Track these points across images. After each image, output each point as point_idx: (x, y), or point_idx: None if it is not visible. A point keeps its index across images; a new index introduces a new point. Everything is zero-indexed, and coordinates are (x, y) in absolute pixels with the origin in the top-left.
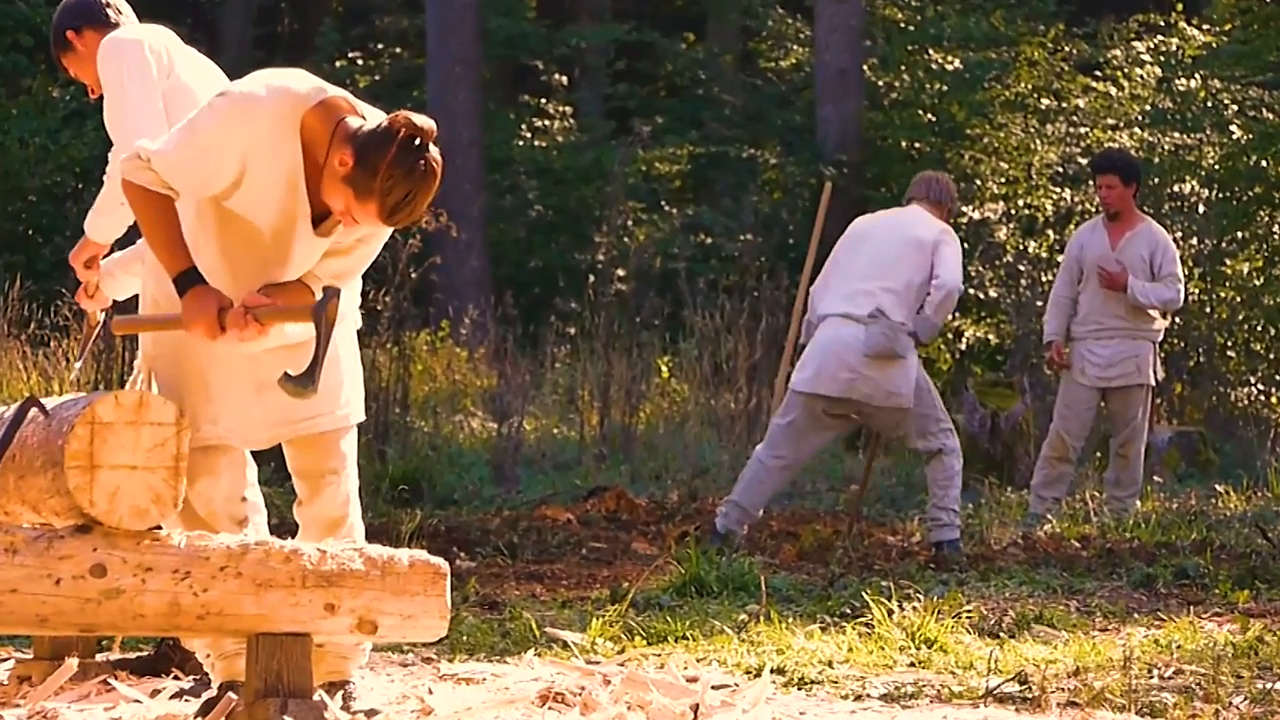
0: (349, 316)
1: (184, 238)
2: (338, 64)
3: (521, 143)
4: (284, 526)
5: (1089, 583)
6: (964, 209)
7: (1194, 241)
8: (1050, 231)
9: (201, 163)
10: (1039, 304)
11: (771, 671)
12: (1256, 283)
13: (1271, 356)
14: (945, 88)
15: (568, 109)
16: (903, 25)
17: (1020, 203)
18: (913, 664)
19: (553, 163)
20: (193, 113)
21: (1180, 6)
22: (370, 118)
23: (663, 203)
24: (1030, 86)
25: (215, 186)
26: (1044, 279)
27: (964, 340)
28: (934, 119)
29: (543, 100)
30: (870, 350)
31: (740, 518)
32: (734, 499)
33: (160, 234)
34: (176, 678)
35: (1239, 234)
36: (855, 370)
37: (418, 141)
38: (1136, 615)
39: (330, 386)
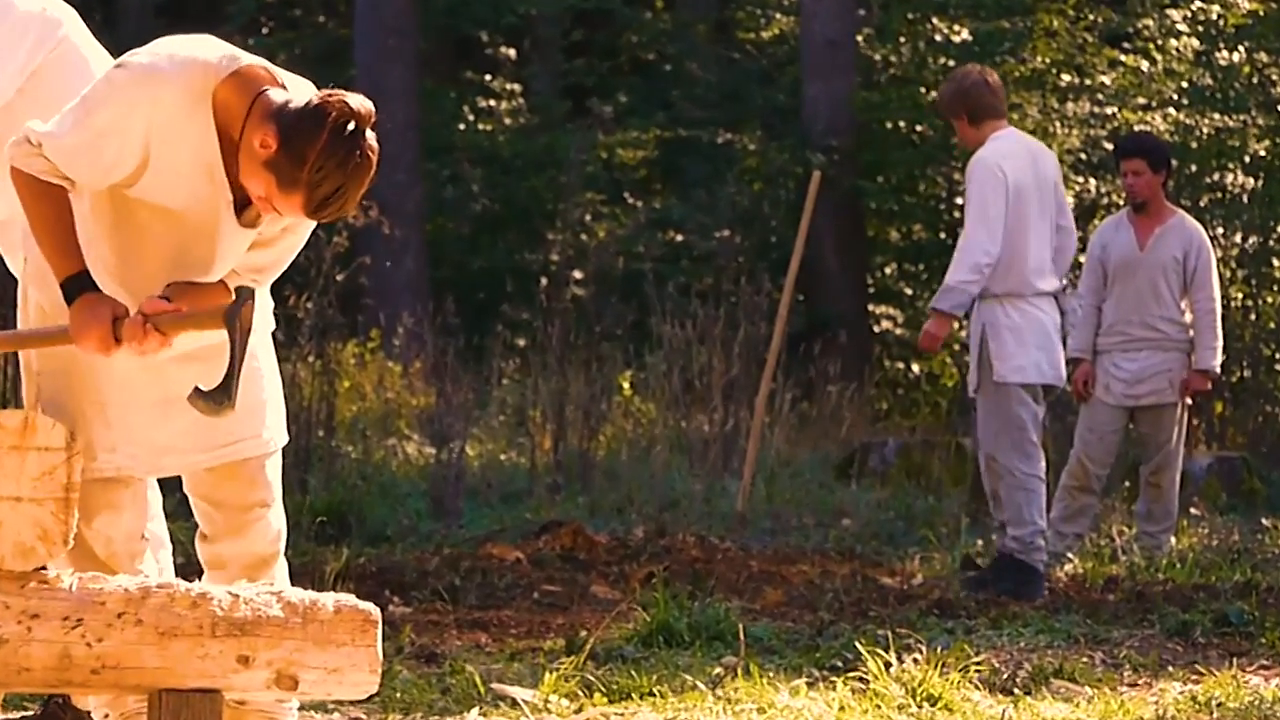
0: (266, 323)
1: (77, 236)
2: (251, 39)
3: (464, 126)
4: (190, 566)
5: (1116, 631)
6: None
7: (1237, 238)
8: None
9: (99, 147)
10: None
11: None
12: None
13: None
14: (951, 62)
15: (517, 87)
16: None
17: None
18: None
19: (500, 149)
20: (86, 88)
21: None
22: (293, 88)
23: (626, 195)
24: (1049, 61)
25: (116, 174)
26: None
27: None
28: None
29: (488, 77)
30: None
31: None
32: None
33: (50, 231)
34: None
35: None
36: (1058, 351)
37: (352, 126)
38: (1171, 668)
39: (251, 405)
